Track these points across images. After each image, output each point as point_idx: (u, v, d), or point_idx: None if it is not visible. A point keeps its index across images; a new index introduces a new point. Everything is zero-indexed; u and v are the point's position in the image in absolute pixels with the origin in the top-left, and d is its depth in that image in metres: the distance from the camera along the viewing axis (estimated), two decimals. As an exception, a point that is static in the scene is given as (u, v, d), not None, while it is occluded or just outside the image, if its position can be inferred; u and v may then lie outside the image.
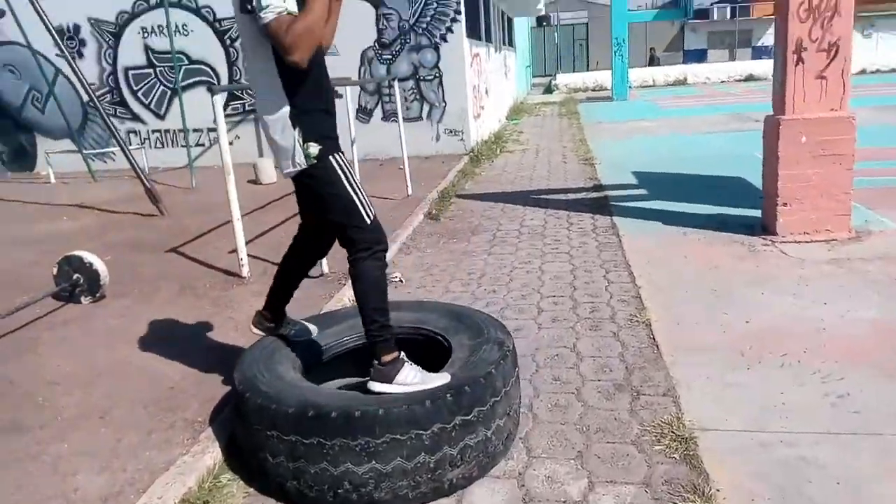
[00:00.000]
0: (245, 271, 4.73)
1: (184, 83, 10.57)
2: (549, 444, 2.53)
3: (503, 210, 6.60)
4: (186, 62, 10.44)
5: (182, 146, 10.07)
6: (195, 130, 10.41)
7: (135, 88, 10.73)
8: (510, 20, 19.55)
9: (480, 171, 9.08)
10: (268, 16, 2.20)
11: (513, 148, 11.27)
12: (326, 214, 2.51)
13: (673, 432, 2.52)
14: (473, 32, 11.26)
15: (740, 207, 5.78)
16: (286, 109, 2.35)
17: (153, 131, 10.82)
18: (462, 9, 9.85)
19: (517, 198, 7.10)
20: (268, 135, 2.45)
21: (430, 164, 9.65)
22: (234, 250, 4.76)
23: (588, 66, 38.07)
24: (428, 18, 9.91)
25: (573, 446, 2.51)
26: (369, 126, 10.22)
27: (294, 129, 2.37)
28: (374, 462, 2.14)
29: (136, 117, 10.82)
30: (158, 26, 10.20)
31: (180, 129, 10.13)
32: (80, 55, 10.55)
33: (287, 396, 2.24)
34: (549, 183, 7.91)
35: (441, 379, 2.34)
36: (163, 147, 10.48)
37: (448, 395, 2.22)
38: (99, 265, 4.40)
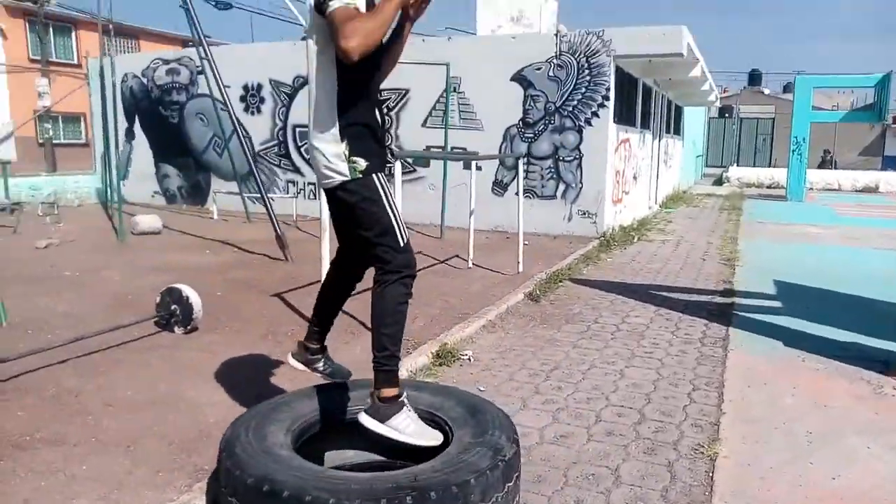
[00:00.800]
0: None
1: (341, 142, 11.38)
2: (535, 577, 2.23)
3: (612, 302, 6.23)
4: (346, 123, 11.24)
5: (330, 199, 10.74)
6: (343, 186, 11.06)
7: (299, 143, 11.70)
8: (679, 109, 19.04)
9: (607, 258, 8.72)
10: (334, 4, 2.21)
11: (653, 237, 10.74)
12: (361, 231, 2.46)
13: None
14: (625, 118, 11.07)
15: (885, 339, 4.98)
16: (335, 126, 2.37)
17: (309, 183, 11.67)
18: (611, 95, 9.72)
19: (633, 291, 6.68)
20: (313, 145, 2.45)
21: (557, 243, 9.45)
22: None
23: (770, 162, 35.89)
24: (575, 102, 9.89)
25: (561, 585, 2.19)
26: (503, 199, 10.28)
27: (342, 141, 2.37)
28: (318, 553, 2.00)
29: (296, 169, 11.76)
30: (327, 89, 11.09)
31: (331, 184, 10.83)
32: (259, 111, 11.76)
33: (252, 465, 2.18)
34: (676, 280, 7.38)
35: (434, 439, 2.20)
36: (315, 199, 11.21)
37: (408, 497, 2.04)
38: (195, 299, 4.71)
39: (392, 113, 10.99)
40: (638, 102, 12.10)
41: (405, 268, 2.43)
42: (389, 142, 10.92)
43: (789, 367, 4.41)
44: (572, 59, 9.84)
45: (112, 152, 9.23)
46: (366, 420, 2.24)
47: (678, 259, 8.72)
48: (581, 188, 10.06)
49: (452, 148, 10.42)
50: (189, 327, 4.72)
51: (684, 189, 21.55)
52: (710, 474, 2.96)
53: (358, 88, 2.39)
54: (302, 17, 8.66)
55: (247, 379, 3.89)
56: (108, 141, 9.65)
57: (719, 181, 26.14)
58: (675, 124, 18.25)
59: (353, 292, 2.87)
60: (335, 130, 2.37)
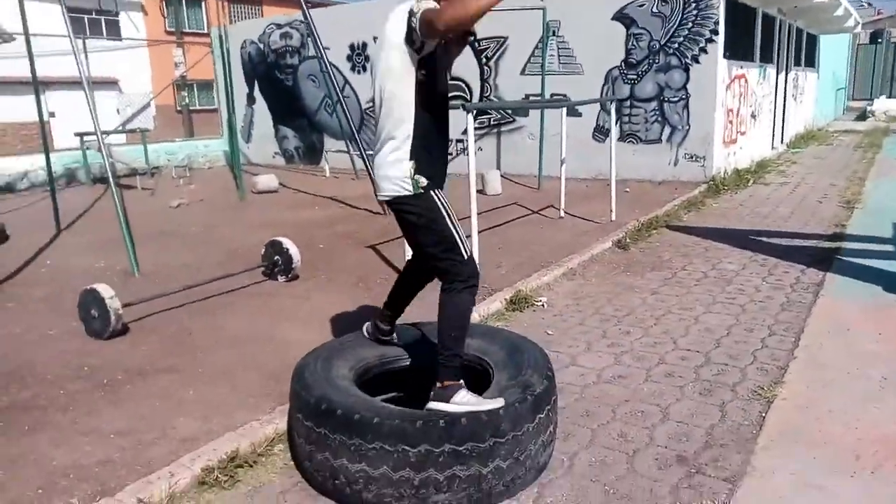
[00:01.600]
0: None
1: (443, 96, 11.56)
2: (562, 498, 2.42)
3: (705, 248, 6.09)
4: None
5: (434, 153, 11.03)
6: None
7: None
8: (813, 38, 17.44)
9: (713, 203, 8.40)
10: (424, 4, 2.37)
11: (771, 180, 10.15)
12: (426, 245, 2.67)
13: (703, 522, 2.23)
14: (740, 53, 10.40)
15: None
16: (409, 141, 2.53)
17: (412, 137, 11.99)
18: (721, 28, 9.16)
19: (731, 237, 6.46)
20: (379, 160, 2.63)
21: (661, 189, 9.20)
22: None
23: (929, 91, 31.96)
24: (681, 39, 9.42)
25: (586, 506, 2.37)
26: (604, 146, 10.06)
27: (410, 160, 2.55)
28: (364, 464, 2.30)
29: (400, 124, 12.10)
30: (428, 44, 11.27)
31: (434, 137, 11.10)
32: (364, 69, 12.15)
33: (315, 388, 2.50)
34: (783, 224, 7.03)
35: (495, 403, 2.40)
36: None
37: (441, 422, 2.28)
38: (293, 251, 5.17)
39: (490, 62, 11.00)
40: (756, 34, 11.29)
41: (470, 278, 2.60)
42: (486, 92, 10.98)
43: (881, 313, 4.20)
44: (678, -7, 9.34)
45: (232, 117, 9.99)
46: (434, 405, 2.45)
47: (791, 202, 8.25)
48: (688, 130, 9.65)
49: (552, 94, 10.30)
50: (290, 276, 5.20)
51: (820, 126, 19.88)
52: (763, 415, 2.98)
53: (431, 113, 2.55)
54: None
55: (334, 320, 4.27)
56: (230, 106, 10.44)
57: (862, 116, 23.79)
58: (807, 55, 16.78)
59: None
60: (405, 151, 2.53)
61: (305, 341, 3.87)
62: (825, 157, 12.89)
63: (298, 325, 4.23)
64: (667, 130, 9.79)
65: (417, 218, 2.61)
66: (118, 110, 13.24)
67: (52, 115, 22.50)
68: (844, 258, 5.55)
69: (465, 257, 2.61)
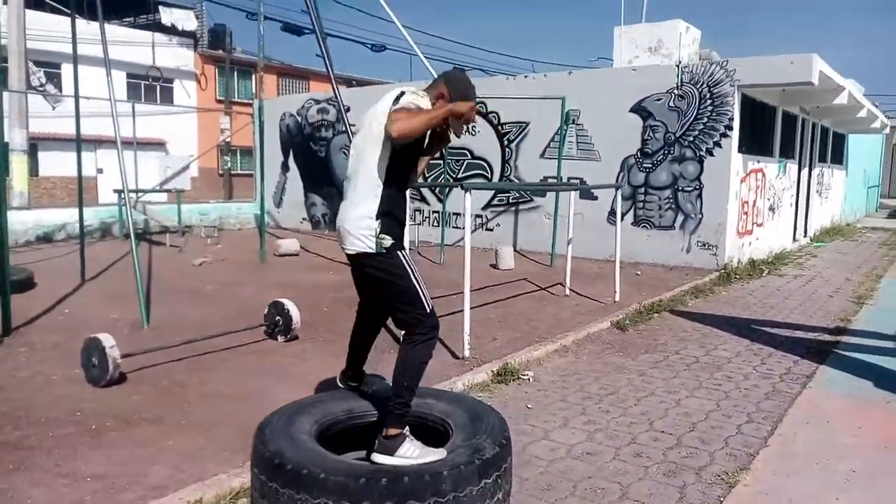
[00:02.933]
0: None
1: (465, 174, 11.96)
2: (503, 566, 2.47)
3: (703, 335, 6.11)
4: (469, 157, 11.83)
5: (454, 227, 11.34)
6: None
7: (427, 175, 12.45)
8: (840, 136, 17.64)
9: (721, 291, 8.42)
10: (402, 101, 2.72)
11: (786, 272, 10.14)
12: (390, 299, 2.89)
13: None
14: (757, 148, 10.61)
15: None
16: (376, 202, 2.78)
17: (433, 211, 12.35)
18: (735, 125, 9.42)
19: (732, 324, 6.48)
20: (349, 216, 2.84)
21: (672, 275, 9.26)
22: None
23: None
24: (696, 132, 9.69)
25: (524, 576, 2.41)
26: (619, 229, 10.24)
27: (376, 220, 2.79)
28: (310, 519, 2.39)
29: (423, 199, 12.50)
30: (453, 124, 11.76)
31: (454, 213, 11.42)
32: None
33: (271, 443, 2.62)
34: (788, 316, 7.02)
35: (437, 454, 2.54)
36: (437, 225, 11.83)
37: (383, 480, 2.38)
38: (294, 312, 5.37)
39: (512, 145, 11.39)
40: (775, 131, 11.52)
41: (430, 330, 2.82)
42: (507, 172, 11.34)
43: (865, 408, 4.18)
44: (694, 89, 9.69)
45: (261, 183, 10.46)
46: (377, 458, 2.61)
47: (801, 295, 8.23)
48: (701, 219, 9.78)
49: (569, 178, 10.59)
50: (289, 336, 5.38)
51: (849, 221, 19.80)
52: (721, 499, 2.99)
53: (397, 184, 2.83)
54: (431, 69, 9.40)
55: (322, 382, 4.40)
56: (261, 172, 10.96)
57: (895, 213, 23.63)
58: (834, 152, 16.94)
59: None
60: (373, 211, 2.78)
61: (289, 399, 4.00)
62: (847, 253, 12.83)
63: (289, 383, 4.37)
64: (680, 218, 9.93)
65: (384, 274, 2.83)
66: (166, 170, 13.90)
67: (100, 171, 23.71)
68: (841, 352, 5.53)
69: (427, 310, 2.81)
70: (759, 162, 10.75)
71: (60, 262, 9.06)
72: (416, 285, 2.83)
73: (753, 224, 10.85)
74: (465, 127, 2.94)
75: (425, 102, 2.82)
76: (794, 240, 13.54)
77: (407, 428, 2.76)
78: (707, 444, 3.61)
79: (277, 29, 23.22)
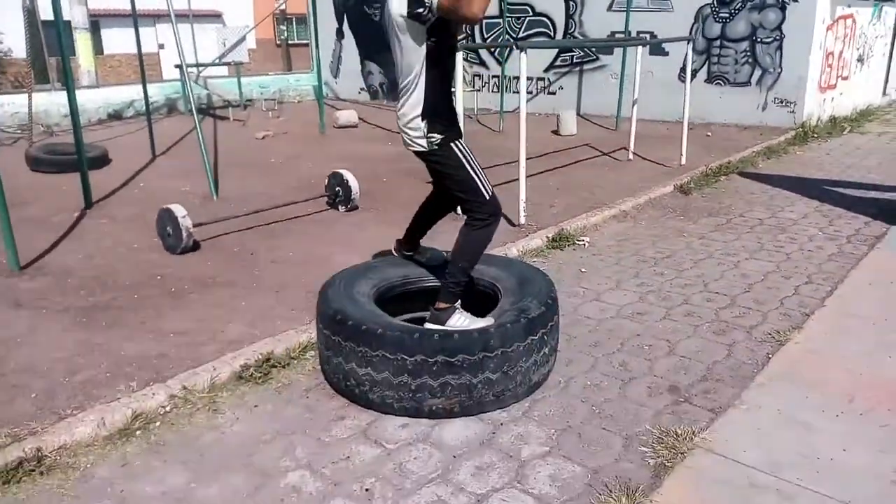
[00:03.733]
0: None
1: (526, 33, 11.41)
2: (549, 413, 2.63)
3: (771, 196, 5.92)
4: (531, 13, 11.21)
5: (514, 92, 11.00)
6: (528, 78, 11.17)
7: (486, 36, 11.95)
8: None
9: (796, 151, 8.02)
10: None
11: (872, 129, 9.51)
12: (451, 188, 2.96)
13: (675, 443, 2.38)
14: (849, -11, 9.62)
15: None
16: (420, 105, 2.78)
17: (493, 76, 11.96)
18: (824, -38, 8.51)
19: (803, 185, 6.23)
20: (401, 117, 2.88)
21: (745, 135, 8.83)
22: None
23: None
24: (779, -27, 8.82)
25: (568, 421, 2.57)
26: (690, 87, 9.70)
27: (423, 121, 2.80)
28: (369, 369, 2.59)
29: (482, 62, 12.08)
30: (512, -21, 11.09)
31: (515, 77, 11.02)
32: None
33: (333, 302, 2.80)
34: (865, 175, 6.68)
35: (484, 323, 2.68)
36: (497, 91, 11.50)
37: (435, 336, 2.52)
38: (353, 183, 5.48)
39: (576, -1, 10.70)
40: (871, -32, 10.36)
41: (491, 216, 2.86)
42: (571, 29, 10.74)
43: (937, 269, 4.04)
44: (779, -77, 8.70)
45: (317, 53, 10.32)
46: (430, 325, 2.77)
47: (883, 153, 7.75)
48: (780, 73, 9.13)
49: (638, 32, 9.97)
50: (349, 206, 5.53)
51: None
52: (770, 356, 3.04)
53: (438, 79, 2.76)
54: None
55: (381, 250, 4.56)
56: (315, 41, 10.78)
57: None
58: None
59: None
60: (418, 111, 2.78)
61: (351, 263, 4.20)
62: (944, 106, 11.84)
63: (350, 250, 4.55)
64: (757, 73, 9.30)
65: (441, 167, 2.90)
66: (224, 42, 13.85)
67: (161, 46, 23.80)
68: (919, 212, 5.28)
69: (487, 198, 2.86)
70: (849, 6, 9.77)
71: (131, 139, 9.40)
72: (473, 174, 2.86)
73: (838, 77, 10.06)
74: None
75: None
76: (885, 94, 12.53)
77: (458, 301, 2.87)
78: (761, 305, 3.62)
79: None
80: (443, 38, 2.71)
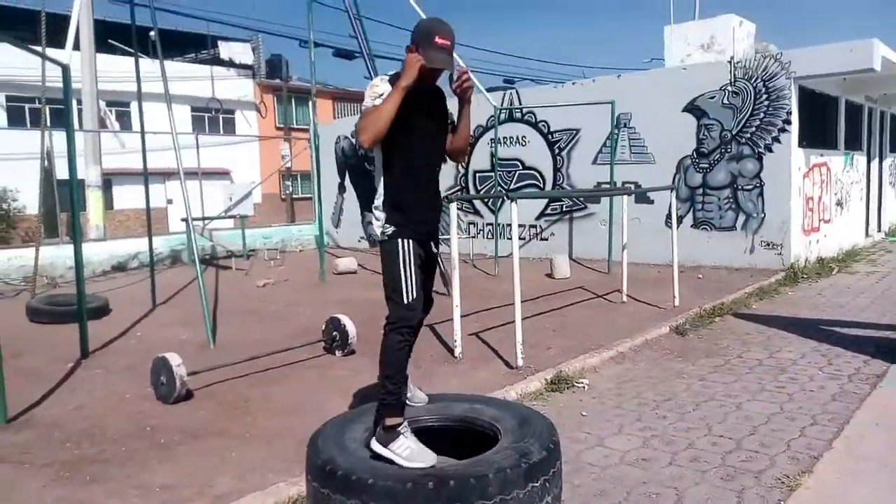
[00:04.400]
0: (458, 352, 5.33)
1: (516, 185, 11.98)
2: (553, 570, 2.47)
3: (768, 337, 5.92)
4: (520, 167, 11.85)
5: (508, 238, 11.34)
6: (520, 226, 11.59)
7: (479, 188, 12.53)
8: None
9: (788, 291, 8.13)
10: (365, 103, 2.85)
11: (858, 269, 9.70)
12: (384, 283, 3.01)
13: None
14: (820, 141, 10.24)
15: None
16: (381, 197, 2.97)
17: (487, 224, 12.40)
18: (794, 118, 9.13)
19: (798, 325, 6.26)
20: (371, 209, 3.05)
21: (735, 277, 9.00)
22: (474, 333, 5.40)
23: None
24: (753, 128, 9.44)
25: (574, 580, 2.41)
26: (678, 232, 10.03)
27: (381, 211, 2.96)
28: (360, 524, 2.46)
29: (476, 212, 12.58)
30: (503, 138, 11.83)
31: (508, 224, 11.42)
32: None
33: (323, 451, 2.71)
34: (859, 314, 6.73)
35: (426, 461, 2.64)
36: (492, 238, 11.86)
37: (429, 483, 2.43)
38: (350, 328, 5.50)
39: (563, 153, 11.35)
40: (839, 123, 11.09)
41: (402, 321, 2.90)
42: (559, 181, 11.30)
43: (943, 408, 3.97)
44: (748, 84, 9.45)
45: (319, 205, 10.77)
46: (374, 444, 2.73)
47: (874, 292, 7.86)
48: (763, 218, 9.48)
49: (623, 182, 10.47)
50: (346, 350, 5.52)
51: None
52: (781, 503, 2.90)
53: (399, 176, 2.93)
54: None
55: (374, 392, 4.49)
56: (319, 194, 11.28)
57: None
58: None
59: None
60: (379, 202, 2.97)
61: (344, 410, 4.12)
62: (927, 246, 12.17)
63: (346, 396, 4.49)
64: (741, 218, 9.66)
65: (383, 257, 2.98)
66: (230, 197, 14.49)
67: (170, 201, 24.82)
68: (917, 350, 5.26)
69: (405, 302, 2.88)
70: (822, 156, 10.36)
71: (133, 289, 9.53)
72: (403, 275, 2.89)
73: (820, 221, 10.44)
74: (442, 57, 2.83)
75: (383, 87, 2.83)
76: (867, 235, 12.94)
77: (404, 422, 2.81)
78: (768, 448, 3.51)
79: (329, 55, 23.88)
80: (388, 145, 2.89)
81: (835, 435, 3.64)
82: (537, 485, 2.57)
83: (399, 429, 2.75)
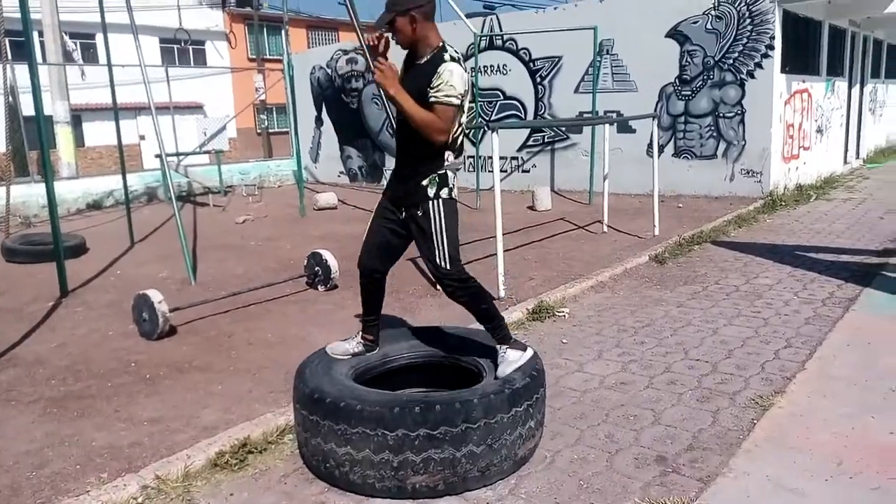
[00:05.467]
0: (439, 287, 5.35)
1: (498, 116, 11.80)
2: (536, 490, 2.56)
3: (745, 263, 6.02)
4: (501, 97, 11.64)
5: (489, 171, 11.25)
6: (501, 158, 11.47)
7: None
8: None
9: (766, 219, 8.22)
10: (450, 98, 2.79)
11: (835, 196, 9.81)
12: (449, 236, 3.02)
13: (664, 516, 2.32)
14: (801, 66, 10.14)
15: None
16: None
17: (468, 156, 12.25)
18: (777, 43, 9.00)
19: (775, 252, 6.35)
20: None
21: (715, 205, 9.06)
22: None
23: None
24: (735, 54, 9.31)
25: (556, 498, 2.50)
26: (659, 161, 10.01)
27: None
28: (349, 448, 2.52)
29: (457, 143, 12.41)
30: (483, 66, 11.56)
31: (489, 157, 11.31)
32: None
33: (310, 380, 2.75)
34: (835, 240, 6.84)
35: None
36: (473, 171, 11.77)
37: (416, 408, 2.48)
38: (332, 262, 5.49)
39: (545, 81, 11.15)
40: (822, 48, 10.96)
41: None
42: (541, 110, 11.17)
43: (912, 328, 4.09)
44: (731, 8, 9.26)
45: (296, 139, 10.57)
46: (508, 354, 2.87)
47: (850, 218, 7.97)
48: (744, 145, 9.48)
49: (605, 111, 10.36)
50: (329, 285, 5.52)
51: (905, 142, 18.88)
52: (755, 421, 3.01)
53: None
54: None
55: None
56: (294, 128, 11.04)
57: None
58: (889, 67, 16.03)
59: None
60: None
61: (328, 342, 4.15)
62: (903, 173, 12.30)
63: (328, 329, 4.51)
64: (722, 146, 9.65)
65: (446, 215, 3.00)
66: (205, 132, 14.15)
67: (142, 137, 24.23)
68: (889, 273, 5.38)
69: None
70: (804, 82, 10.29)
71: (110, 227, 9.39)
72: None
73: (800, 148, 10.47)
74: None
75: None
76: (846, 162, 13.02)
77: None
78: (743, 370, 3.61)
79: (303, -19, 22.91)
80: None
81: (807, 357, 3.75)
82: (520, 409, 2.64)
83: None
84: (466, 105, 2.91)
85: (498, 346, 2.92)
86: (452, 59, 2.81)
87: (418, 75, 2.86)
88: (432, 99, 2.78)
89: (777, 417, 3.03)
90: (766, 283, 5.32)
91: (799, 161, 10.42)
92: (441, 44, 2.87)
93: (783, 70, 9.37)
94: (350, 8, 8.92)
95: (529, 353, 2.89)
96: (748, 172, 9.51)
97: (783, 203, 9.05)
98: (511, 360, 2.83)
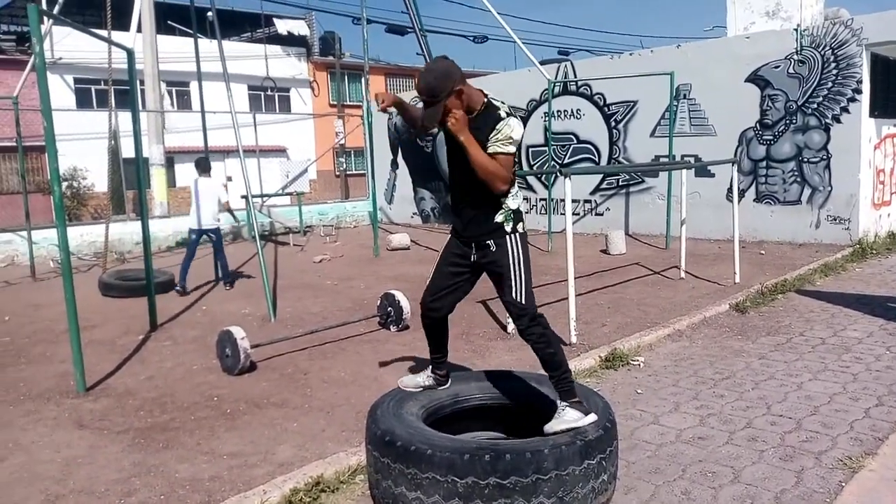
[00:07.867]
0: (510, 329, 5.35)
1: (571, 159, 11.82)
2: (607, 544, 2.50)
3: (832, 315, 5.74)
4: (575, 142, 11.67)
5: (561, 214, 11.23)
6: (574, 201, 11.44)
7: (532, 162, 12.41)
8: None
9: (856, 267, 7.83)
10: (508, 148, 2.88)
11: (933, 245, 9.25)
12: (525, 272, 3.09)
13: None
14: (893, 110, 9.72)
15: None
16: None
17: (540, 199, 12.29)
18: (864, 87, 8.70)
19: (864, 303, 6.04)
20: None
21: (799, 252, 8.71)
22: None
23: None
24: (820, 98, 9.04)
25: (628, 554, 2.44)
26: (739, 206, 9.74)
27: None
28: (419, 493, 2.54)
29: (529, 187, 12.47)
30: (557, 111, 11.66)
31: (561, 200, 11.31)
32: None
33: (382, 422, 2.80)
34: (933, 292, 6.44)
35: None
36: (545, 213, 11.77)
37: (486, 456, 2.48)
38: (405, 303, 5.59)
39: (619, 126, 11.12)
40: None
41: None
42: (615, 154, 11.09)
43: None
44: (815, 53, 9.04)
45: (373, 181, 10.88)
46: (567, 413, 2.78)
47: (951, 269, 7.50)
48: (830, 191, 9.12)
49: (683, 156, 10.21)
50: (400, 326, 5.61)
51: None
52: (843, 484, 2.85)
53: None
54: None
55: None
56: (372, 171, 11.39)
57: None
58: None
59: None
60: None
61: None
62: None
63: (397, 369, 4.57)
64: (807, 191, 9.31)
65: (522, 252, 3.08)
66: (287, 174, 14.81)
67: (229, 178, 25.46)
68: None
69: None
70: (895, 126, 9.85)
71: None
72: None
73: (892, 194, 9.97)
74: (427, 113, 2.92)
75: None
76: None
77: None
78: (829, 429, 3.43)
79: (382, 31, 23.89)
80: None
81: (902, 416, 3.53)
82: (593, 462, 2.60)
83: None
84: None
85: (559, 402, 2.85)
86: (508, 114, 2.91)
87: (472, 130, 2.94)
88: (493, 149, 2.86)
89: (867, 481, 2.86)
90: (855, 336, 5.05)
91: (890, 207, 9.92)
92: (486, 99, 2.95)
93: (872, 114, 9.02)
94: (425, 54, 9.25)
95: (591, 418, 2.74)
96: (835, 219, 9.12)
97: (873, 251, 8.61)
98: (567, 419, 2.74)
